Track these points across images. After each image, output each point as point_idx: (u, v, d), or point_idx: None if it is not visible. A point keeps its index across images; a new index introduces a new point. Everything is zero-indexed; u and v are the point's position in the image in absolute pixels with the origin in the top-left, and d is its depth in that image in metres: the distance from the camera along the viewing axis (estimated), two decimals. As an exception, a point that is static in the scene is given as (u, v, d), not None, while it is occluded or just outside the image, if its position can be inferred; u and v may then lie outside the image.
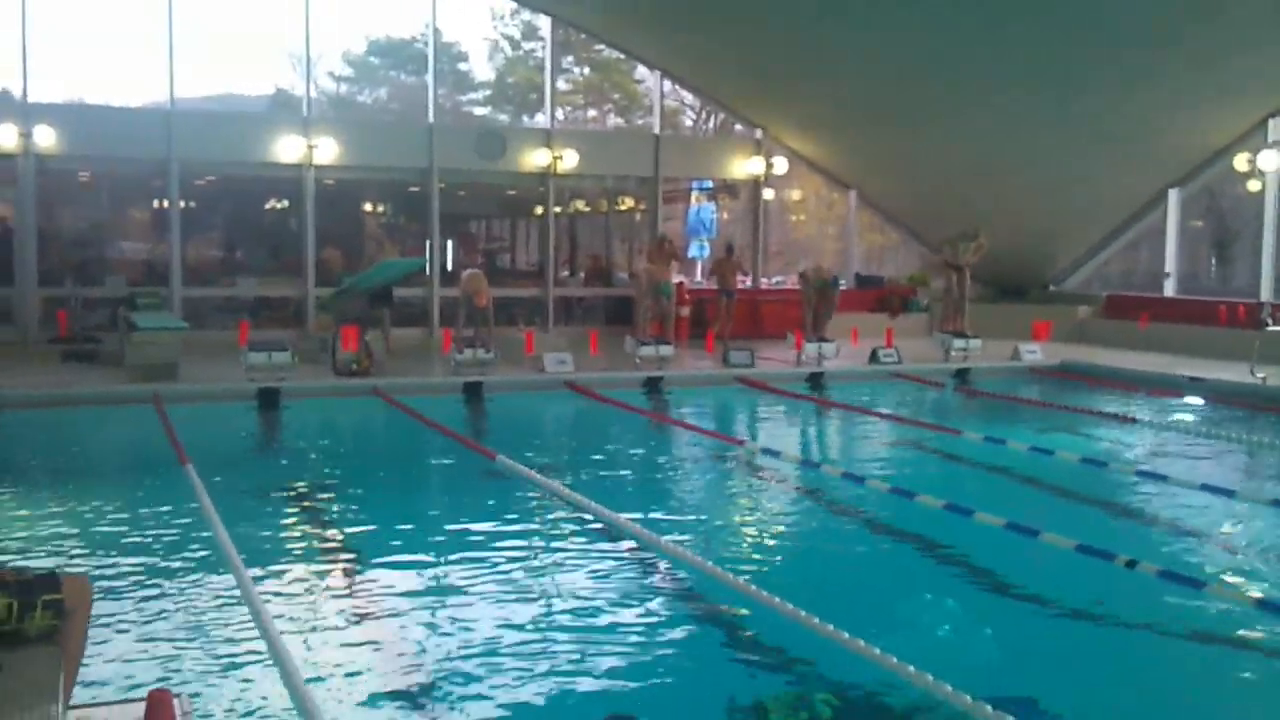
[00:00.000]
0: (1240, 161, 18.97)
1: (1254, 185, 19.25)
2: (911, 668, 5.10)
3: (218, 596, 6.52)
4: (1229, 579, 7.23)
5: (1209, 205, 22.66)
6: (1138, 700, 5.42)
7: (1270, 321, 15.83)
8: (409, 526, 8.26)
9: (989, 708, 4.75)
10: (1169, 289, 20.87)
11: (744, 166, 21.92)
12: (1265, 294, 18.78)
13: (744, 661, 5.82)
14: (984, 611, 6.72)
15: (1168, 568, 7.00)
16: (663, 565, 7.33)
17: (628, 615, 6.39)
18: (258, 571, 6.78)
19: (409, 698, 5.23)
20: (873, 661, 5.27)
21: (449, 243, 21.06)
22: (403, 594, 6.73)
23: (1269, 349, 15.34)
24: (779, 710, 4.01)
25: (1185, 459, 11.10)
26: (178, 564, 7.16)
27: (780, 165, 22.10)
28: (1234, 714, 5.36)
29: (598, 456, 11.26)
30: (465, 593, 6.78)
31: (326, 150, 18.59)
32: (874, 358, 16.79)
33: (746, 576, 6.76)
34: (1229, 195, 21.69)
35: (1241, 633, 6.24)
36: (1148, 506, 9.32)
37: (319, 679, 5.30)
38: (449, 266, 20.36)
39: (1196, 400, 14.60)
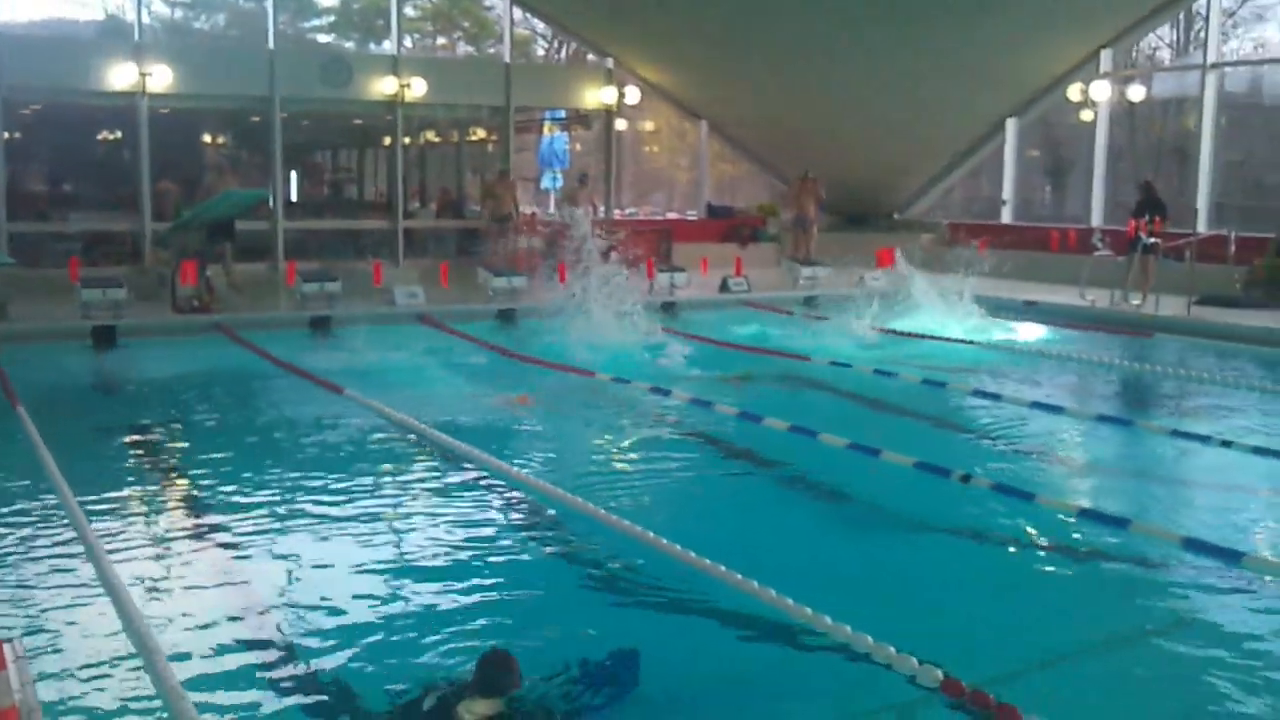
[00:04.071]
0: (1074, 92, 19.65)
1: (1086, 115, 19.99)
2: (755, 583, 5.27)
3: (53, 541, 6.31)
4: (1056, 490, 7.60)
5: (1044, 135, 23.47)
6: (973, 605, 5.68)
7: (1099, 246, 16.52)
8: (254, 464, 8.08)
9: (829, 619, 4.94)
10: (1006, 216, 21.58)
11: (596, 96, 21.75)
12: (1095, 220, 19.59)
13: (600, 588, 5.90)
14: (827, 528, 6.94)
15: (1000, 481, 7.33)
16: (514, 494, 7.36)
17: (479, 545, 6.40)
18: (95, 514, 6.58)
19: (257, 638, 5.15)
20: (721, 581, 5.42)
21: (293, 174, 20.47)
22: (248, 533, 6.59)
23: (1098, 273, 16.04)
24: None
25: (1018, 379, 11.55)
26: (10, 508, 6.88)
27: (632, 95, 22.01)
28: (1061, 614, 5.65)
29: (446, 389, 11.14)
30: (312, 529, 6.69)
31: (161, 78, 17.77)
32: (724, 286, 17.01)
33: (599, 502, 6.85)
34: (1063, 125, 22.50)
35: (1067, 540, 6.57)
36: (983, 424, 9.71)
37: (162, 623, 5.17)
38: (293, 198, 19.83)
39: (1031, 323, 15.18)
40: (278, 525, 6.79)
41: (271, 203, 18.71)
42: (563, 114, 23.69)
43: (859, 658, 4.72)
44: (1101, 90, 19.24)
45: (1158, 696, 4.73)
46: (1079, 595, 5.91)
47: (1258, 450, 8.35)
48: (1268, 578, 5.84)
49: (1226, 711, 4.54)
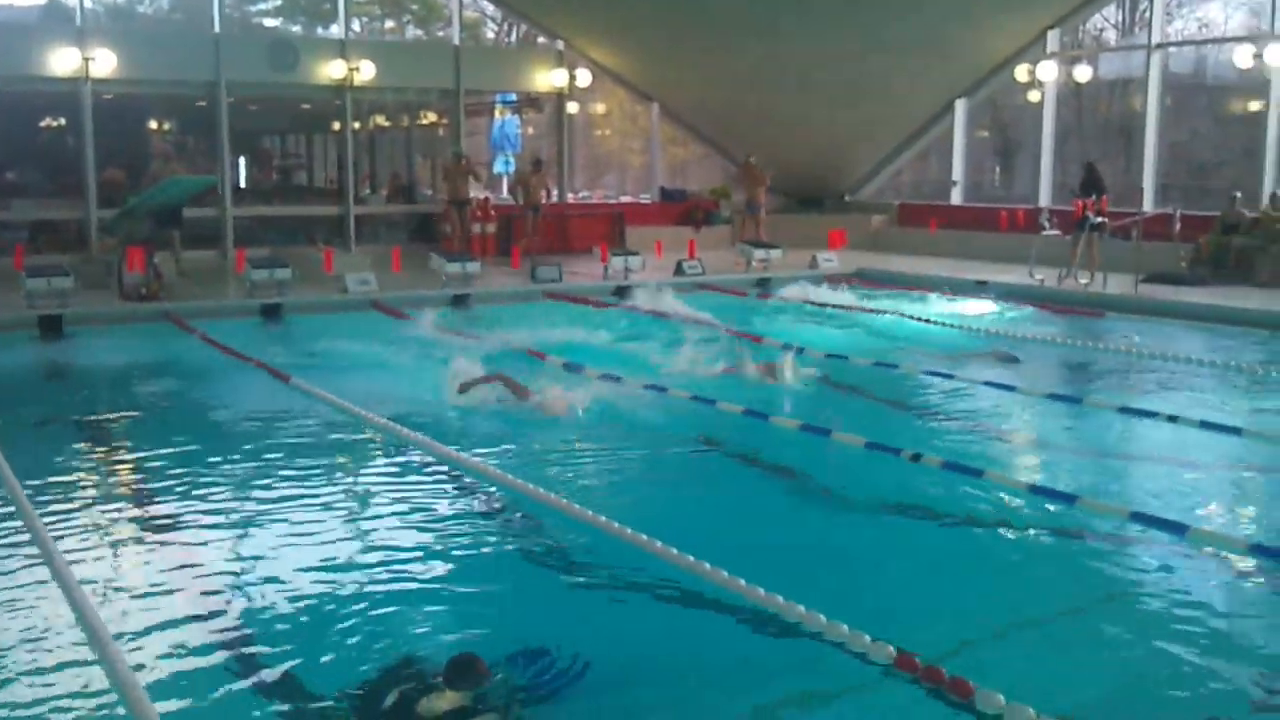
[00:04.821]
0: (1021, 73, 19.82)
1: (1034, 96, 20.17)
2: (706, 564, 5.31)
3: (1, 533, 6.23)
4: (1005, 467, 7.70)
5: (993, 116, 23.65)
6: (923, 581, 5.75)
7: (1047, 226, 16.71)
8: (206, 455, 7.99)
9: (781, 598, 4.99)
10: (956, 197, 21.75)
11: (547, 78, 21.68)
12: (1043, 200, 19.79)
13: (555, 573, 5.91)
14: (780, 509, 6.99)
15: (950, 459, 7.42)
16: (471, 482, 7.35)
17: (436, 535, 6.39)
18: (43, 506, 6.51)
19: (213, 631, 5.07)
20: (681, 567, 5.46)
21: (241, 160, 20.25)
22: (201, 524, 6.53)
23: (1046, 252, 16.23)
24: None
25: (970, 358, 11.65)
26: (-46, 502, 6.79)
27: (583, 77, 21.95)
28: (1010, 589, 5.74)
29: (400, 376, 11.06)
30: (267, 520, 6.64)
31: (104, 63, 17.52)
32: (679, 269, 17.04)
33: (551, 488, 6.85)
34: (1011, 106, 22.69)
35: (1016, 515, 6.66)
36: (934, 404, 9.80)
37: (113, 615, 5.13)
38: (241, 184, 19.61)
39: (982, 301, 15.33)
40: (231, 516, 6.73)
41: (219, 189, 18.52)
42: (514, 97, 23.58)
43: (812, 636, 4.78)
44: (1048, 71, 19.42)
45: (1104, 667, 4.81)
46: (1028, 570, 5.99)
47: (1203, 425, 8.50)
48: (1211, 549, 5.95)
49: (1171, 681, 4.63)
